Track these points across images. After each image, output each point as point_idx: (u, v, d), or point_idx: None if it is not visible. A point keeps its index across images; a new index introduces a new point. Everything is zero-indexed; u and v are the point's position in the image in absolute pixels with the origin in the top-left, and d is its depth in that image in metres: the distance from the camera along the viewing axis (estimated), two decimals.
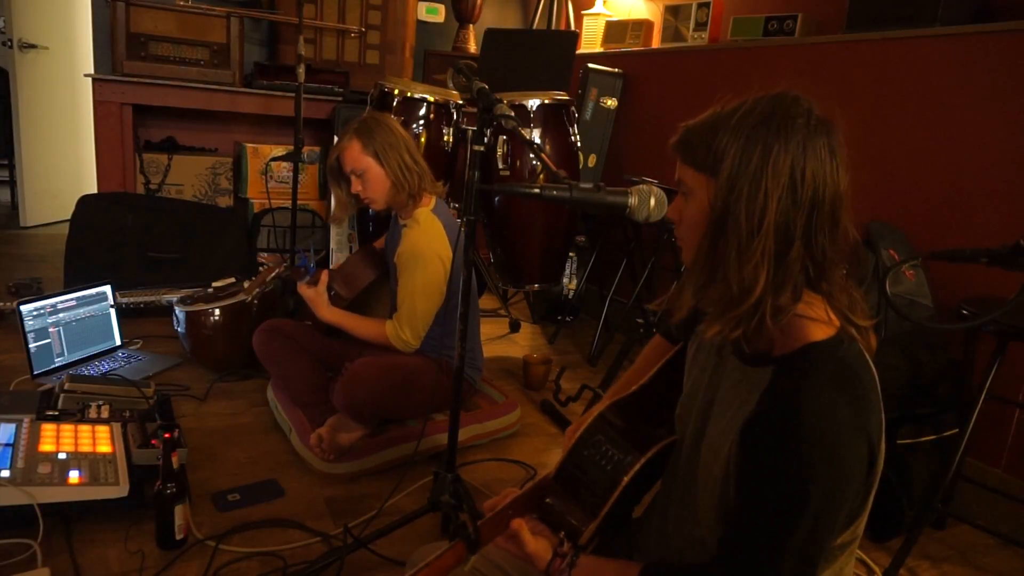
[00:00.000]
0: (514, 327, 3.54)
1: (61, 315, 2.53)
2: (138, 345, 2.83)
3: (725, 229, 0.85)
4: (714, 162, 0.85)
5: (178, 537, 1.65)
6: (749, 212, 0.83)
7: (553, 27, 4.15)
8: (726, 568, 0.90)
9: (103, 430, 1.87)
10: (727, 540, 0.91)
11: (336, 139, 3.47)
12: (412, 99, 2.88)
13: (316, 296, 2.18)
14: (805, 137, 0.84)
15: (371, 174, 2.09)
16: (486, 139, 1.59)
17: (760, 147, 0.83)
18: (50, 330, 2.49)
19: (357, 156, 2.09)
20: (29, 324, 2.42)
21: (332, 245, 3.61)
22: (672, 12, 3.47)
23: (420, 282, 2.07)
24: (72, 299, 2.58)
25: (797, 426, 0.81)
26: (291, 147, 3.10)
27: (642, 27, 3.70)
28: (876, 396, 0.87)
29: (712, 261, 0.87)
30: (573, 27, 4.18)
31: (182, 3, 3.44)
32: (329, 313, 2.19)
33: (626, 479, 1.00)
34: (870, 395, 0.86)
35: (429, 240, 2.09)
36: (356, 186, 2.12)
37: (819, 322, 0.88)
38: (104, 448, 1.81)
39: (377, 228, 2.94)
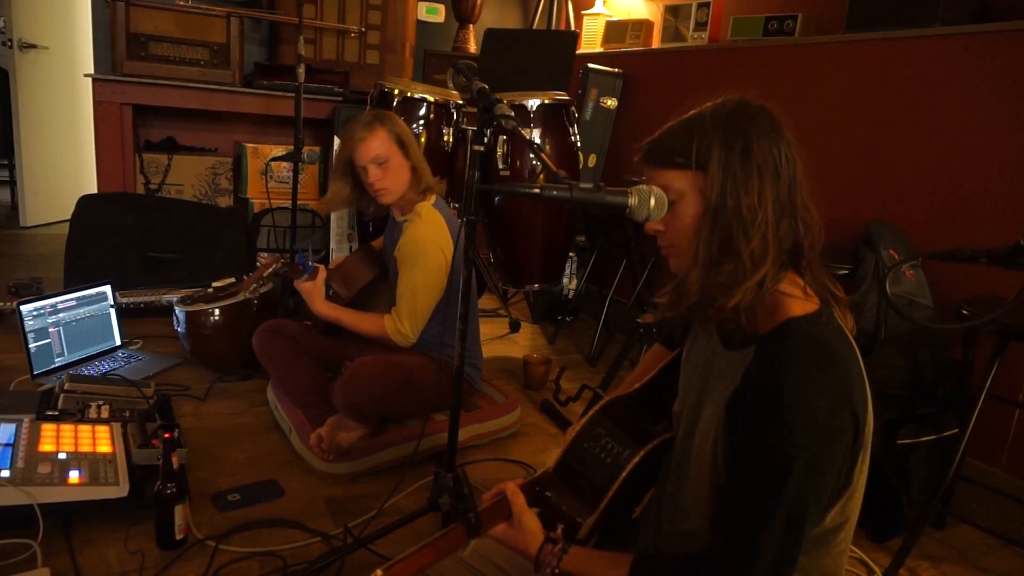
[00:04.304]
0: (514, 327, 3.54)
1: (61, 315, 2.53)
2: (138, 345, 2.83)
3: (725, 212, 0.90)
4: (701, 156, 0.91)
5: (178, 537, 1.65)
6: (748, 191, 0.90)
7: (553, 27, 4.15)
8: (716, 544, 0.91)
9: (103, 430, 1.87)
10: (717, 518, 0.93)
11: (336, 139, 3.48)
12: (412, 99, 2.88)
13: (313, 289, 2.17)
14: (769, 124, 0.93)
15: (394, 161, 2.10)
16: (486, 139, 1.59)
17: (740, 136, 0.91)
18: (50, 330, 2.49)
19: (384, 142, 2.09)
20: (29, 324, 2.42)
21: (332, 244, 3.61)
22: (672, 12, 3.47)
23: (421, 274, 2.08)
24: (72, 299, 2.58)
25: (777, 394, 0.85)
26: (291, 147, 3.09)
27: (642, 27, 3.70)
28: (856, 367, 0.91)
29: (717, 244, 0.91)
30: (573, 27, 4.18)
31: (182, 3, 3.44)
32: (325, 307, 2.18)
33: (624, 473, 1.00)
34: (849, 366, 0.89)
35: (431, 233, 2.10)
36: (375, 175, 2.09)
37: (798, 299, 0.93)
38: (104, 448, 1.81)
39: (377, 228, 2.94)
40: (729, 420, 0.91)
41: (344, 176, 2.19)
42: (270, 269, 2.66)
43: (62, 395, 2.00)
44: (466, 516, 0.99)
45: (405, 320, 2.10)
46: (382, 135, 2.09)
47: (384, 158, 2.09)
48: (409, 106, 2.88)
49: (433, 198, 2.20)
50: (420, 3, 4.37)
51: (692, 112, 0.96)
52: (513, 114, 1.48)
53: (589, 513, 1.02)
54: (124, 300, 2.93)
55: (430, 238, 2.09)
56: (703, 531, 0.97)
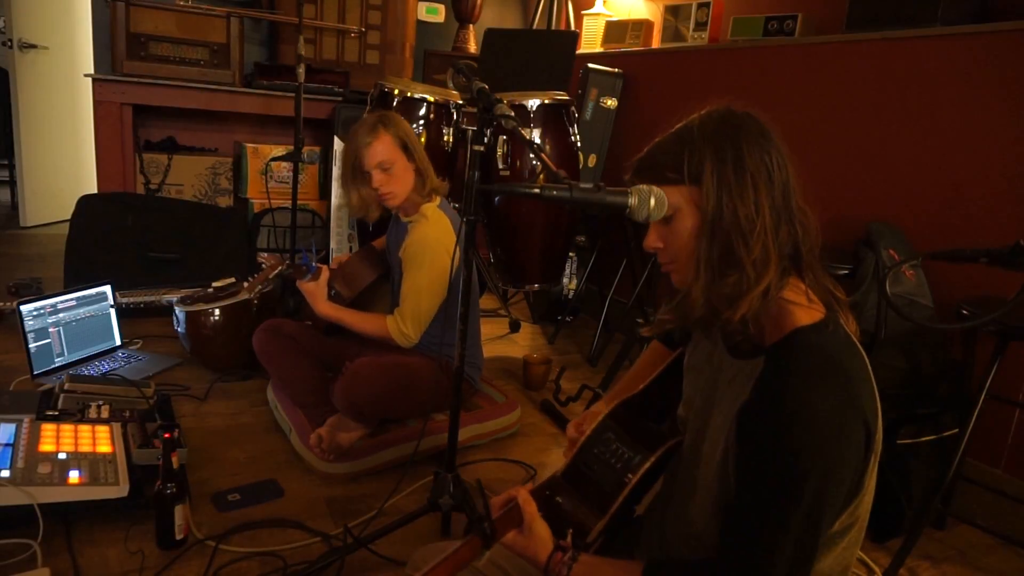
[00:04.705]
0: (514, 327, 3.54)
1: (61, 315, 2.53)
2: (138, 345, 2.83)
3: (723, 223, 0.90)
4: (693, 170, 0.91)
5: (178, 537, 1.65)
6: (744, 201, 0.89)
7: (553, 27, 4.15)
8: (729, 556, 0.91)
9: (103, 430, 1.87)
10: (728, 528, 0.92)
11: (336, 139, 3.48)
12: (412, 99, 2.88)
13: (316, 289, 2.17)
14: (757, 131, 0.93)
15: (399, 166, 2.11)
16: (486, 139, 1.59)
17: (731, 146, 0.91)
18: (50, 330, 2.49)
19: (389, 147, 2.09)
20: (29, 324, 2.42)
21: (332, 245, 3.61)
22: (672, 12, 3.47)
23: (426, 275, 2.08)
24: (72, 299, 2.58)
25: (788, 406, 0.85)
26: (291, 147, 3.10)
27: (642, 27, 3.70)
28: (866, 375, 0.90)
29: (717, 255, 0.91)
30: (573, 27, 4.18)
31: (182, 3, 3.44)
32: (327, 307, 2.18)
33: (635, 478, 1.01)
34: (859, 374, 0.89)
35: (438, 234, 2.11)
36: (379, 180, 2.10)
37: (804, 307, 0.93)
38: (104, 448, 1.81)
39: (377, 228, 2.94)
40: (740, 431, 0.91)
41: (360, 182, 2.16)
42: (275, 271, 2.65)
43: (62, 395, 2.00)
44: (482, 526, 0.98)
45: (408, 321, 2.10)
46: (386, 140, 2.09)
47: (389, 163, 2.09)
48: (409, 106, 2.88)
49: (438, 200, 2.20)
50: (420, 3, 4.37)
51: (679, 125, 0.96)
52: (513, 114, 1.48)
53: (598, 518, 1.02)
54: (124, 300, 2.92)
55: (437, 239, 2.09)
56: (709, 535, 0.96)
